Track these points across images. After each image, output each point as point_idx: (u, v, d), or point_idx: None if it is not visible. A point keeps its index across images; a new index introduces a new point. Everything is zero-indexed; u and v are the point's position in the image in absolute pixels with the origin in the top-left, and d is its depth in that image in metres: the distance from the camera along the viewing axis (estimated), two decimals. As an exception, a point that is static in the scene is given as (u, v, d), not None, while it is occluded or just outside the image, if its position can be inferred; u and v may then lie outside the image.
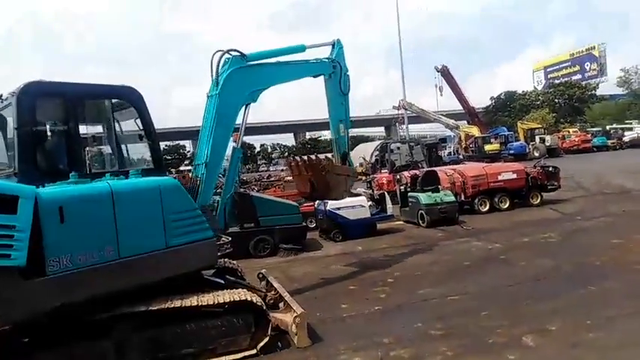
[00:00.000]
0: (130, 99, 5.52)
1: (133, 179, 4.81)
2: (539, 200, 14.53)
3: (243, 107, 6.89)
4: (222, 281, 5.77)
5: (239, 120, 7.02)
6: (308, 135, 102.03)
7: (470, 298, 6.45)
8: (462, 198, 14.05)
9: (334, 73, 8.04)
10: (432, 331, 5.32)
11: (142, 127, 5.52)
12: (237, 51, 6.72)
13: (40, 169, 4.96)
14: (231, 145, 7.05)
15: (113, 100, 5.67)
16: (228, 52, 6.67)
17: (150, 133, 5.51)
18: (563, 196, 15.29)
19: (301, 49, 7.72)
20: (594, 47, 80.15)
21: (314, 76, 8.08)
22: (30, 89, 4.97)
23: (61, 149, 5.28)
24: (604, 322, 5.10)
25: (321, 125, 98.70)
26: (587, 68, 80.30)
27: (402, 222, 13.57)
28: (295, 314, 5.16)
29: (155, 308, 4.54)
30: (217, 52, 6.61)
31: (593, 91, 74.00)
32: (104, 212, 4.37)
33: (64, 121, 5.23)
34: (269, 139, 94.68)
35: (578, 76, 79.34)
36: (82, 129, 5.49)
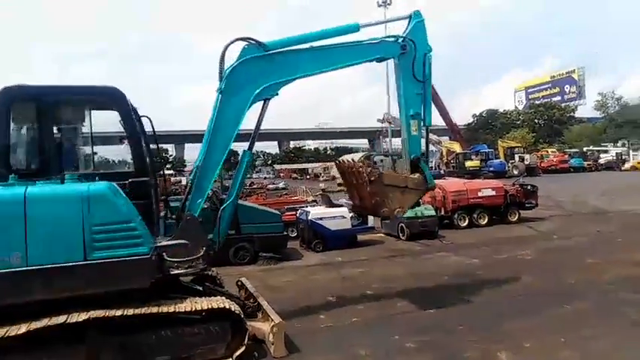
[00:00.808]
0: (111, 100, 5.32)
1: (54, 185, 4.49)
2: (516, 218, 14.79)
3: (262, 102, 5.84)
4: (201, 288, 5.70)
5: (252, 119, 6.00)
6: (292, 144, 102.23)
7: (447, 312, 6.50)
8: (442, 212, 14.21)
9: (405, 54, 6.29)
10: (409, 344, 5.34)
11: (123, 129, 5.37)
12: (252, 39, 5.68)
13: (13, 171, 4.84)
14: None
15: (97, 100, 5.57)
16: (237, 40, 5.64)
17: (131, 135, 5.30)
18: (540, 214, 15.59)
19: (354, 28, 6.17)
20: (574, 71, 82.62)
21: (377, 61, 6.42)
22: (9, 93, 4.91)
23: (34, 151, 5.19)
24: (578, 342, 5.19)
25: (306, 134, 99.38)
26: (567, 91, 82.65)
27: (382, 234, 13.64)
28: (273, 324, 5.12)
29: (130, 313, 4.45)
30: (231, 42, 5.60)
31: (572, 113, 76.18)
32: (14, 217, 4.16)
33: (41, 124, 5.12)
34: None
35: (558, 98, 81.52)
36: (62, 130, 5.39)
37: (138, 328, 4.56)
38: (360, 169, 6.53)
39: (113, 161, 6.60)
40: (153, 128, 6.18)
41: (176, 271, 4.98)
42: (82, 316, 4.25)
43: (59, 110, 5.39)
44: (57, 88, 5.43)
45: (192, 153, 67.62)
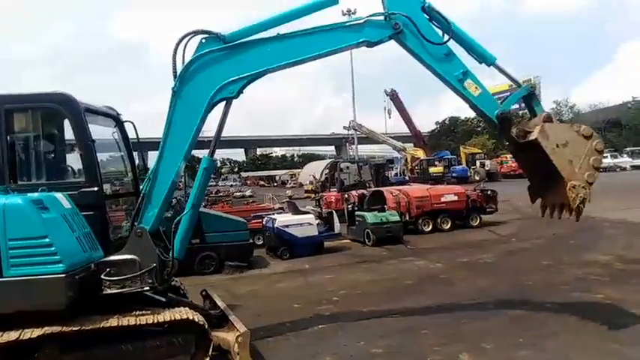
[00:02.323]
0: (62, 106, 5.07)
1: None
2: (478, 222, 15.21)
3: (224, 104, 5.11)
4: (164, 299, 5.57)
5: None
6: (259, 151, 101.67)
7: (411, 316, 6.61)
8: (407, 218, 14.45)
9: (400, 32, 5.13)
10: (374, 350, 5.40)
11: (74, 136, 5.06)
12: (208, 31, 5.01)
13: None
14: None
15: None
16: (194, 33, 4.97)
17: (81, 143, 5.03)
18: (500, 218, 16.11)
19: (331, 1, 5.15)
20: (530, 79, 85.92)
21: (366, 46, 5.30)
22: None
23: None
24: (535, 341, 5.38)
25: (273, 142, 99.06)
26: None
27: (349, 240, 13.74)
28: (238, 333, 5.05)
29: (88, 328, 4.30)
30: (184, 36, 4.95)
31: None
32: None
33: None
34: (218, 154, 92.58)
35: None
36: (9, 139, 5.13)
37: (96, 343, 4.41)
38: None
39: (73, 170, 6.40)
40: (137, 134, 5.97)
41: (110, 291, 4.63)
42: (36, 332, 4.08)
43: (5, 119, 5.13)
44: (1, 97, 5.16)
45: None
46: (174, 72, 4.96)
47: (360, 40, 5.21)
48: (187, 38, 4.96)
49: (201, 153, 6.13)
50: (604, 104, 70.72)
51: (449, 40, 5.24)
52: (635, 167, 49.15)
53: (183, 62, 4.96)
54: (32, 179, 5.18)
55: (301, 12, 5.19)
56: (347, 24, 5.27)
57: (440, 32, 5.26)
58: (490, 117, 5.25)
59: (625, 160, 53.29)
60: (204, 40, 5.02)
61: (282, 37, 5.10)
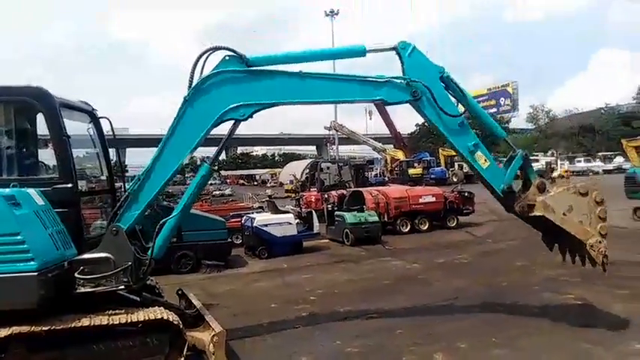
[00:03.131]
0: (37, 100, 4.90)
1: None
2: (455, 223, 15.43)
3: (232, 122, 5.11)
4: (138, 298, 5.48)
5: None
6: (240, 150, 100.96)
7: (387, 316, 6.66)
8: (385, 218, 14.57)
9: (421, 98, 5.20)
10: (350, 349, 5.43)
11: (49, 131, 4.90)
12: (234, 50, 4.99)
13: None
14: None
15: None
16: (218, 49, 4.96)
17: (56, 138, 4.88)
18: (477, 220, 16.38)
19: (360, 51, 5.26)
20: (508, 84, 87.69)
21: (383, 104, 5.59)
22: None
23: None
24: (508, 341, 5.49)
25: (254, 141, 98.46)
26: (502, 103, 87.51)
27: (327, 240, 13.77)
28: (213, 333, 5.01)
29: (59, 327, 4.21)
30: (208, 49, 4.95)
31: (507, 124, 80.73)
32: None
33: None
34: (198, 152, 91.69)
35: (494, 110, 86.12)
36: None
37: (67, 343, 4.31)
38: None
39: (46, 166, 6.23)
40: (112, 130, 5.85)
41: (84, 289, 4.53)
42: (4, 332, 3.97)
43: None
44: None
45: (135, 158, 64.89)
46: (191, 81, 4.94)
47: (377, 98, 5.37)
48: (211, 52, 4.97)
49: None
50: (578, 110, 72.66)
51: (464, 112, 5.42)
52: (606, 171, 50.59)
53: (201, 74, 4.95)
54: (4, 174, 5.02)
55: (328, 55, 5.40)
56: (368, 79, 5.27)
57: (454, 101, 5.39)
58: (496, 190, 5.43)
59: (598, 165, 54.85)
60: (227, 58, 5.02)
61: (305, 76, 5.12)
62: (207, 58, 4.95)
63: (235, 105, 4.97)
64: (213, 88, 4.97)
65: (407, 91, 5.20)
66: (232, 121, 5.11)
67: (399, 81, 5.22)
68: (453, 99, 5.44)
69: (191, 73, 4.92)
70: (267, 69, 5.13)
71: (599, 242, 5.12)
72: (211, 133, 5.10)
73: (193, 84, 4.93)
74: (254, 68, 5.07)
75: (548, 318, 6.18)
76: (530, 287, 7.79)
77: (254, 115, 5.11)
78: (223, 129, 5.30)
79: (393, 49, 5.31)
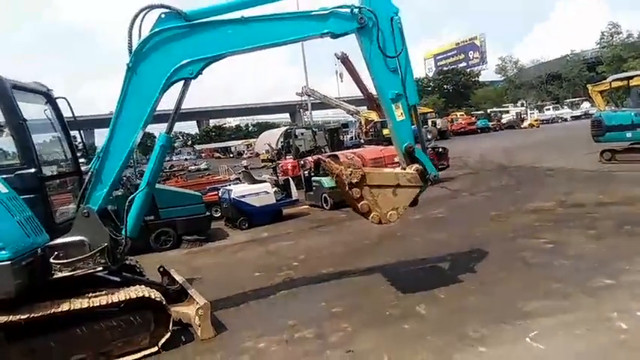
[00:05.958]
0: None
1: None
2: (431, 179, 15.62)
3: (182, 82, 4.94)
4: (118, 279, 5.45)
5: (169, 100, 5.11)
6: (212, 122, 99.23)
7: (369, 275, 6.81)
8: (363, 180, 14.62)
9: (364, 29, 5.08)
10: (334, 309, 5.55)
11: (3, 116, 4.69)
12: (168, 6, 4.73)
13: None
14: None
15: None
16: (153, 7, 4.69)
17: (11, 123, 4.68)
18: (452, 174, 16.66)
19: None
20: (476, 37, 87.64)
21: (330, 37, 5.16)
22: None
23: None
24: (483, 288, 5.70)
25: (226, 112, 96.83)
26: (471, 57, 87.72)
27: (307, 206, 13.85)
28: (198, 306, 5.06)
29: (38, 315, 4.16)
30: (141, 9, 4.67)
31: (477, 78, 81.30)
32: None
33: None
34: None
35: (464, 64, 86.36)
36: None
37: (49, 329, 4.28)
38: (337, 170, 5.50)
39: (4, 152, 5.99)
40: (72, 111, 5.63)
41: (61, 274, 4.51)
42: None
43: None
44: None
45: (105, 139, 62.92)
46: (130, 47, 4.69)
47: (325, 32, 5.11)
48: (145, 12, 4.68)
49: (154, 128, 5.87)
50: (545, 59, 73.40)
51: (400, 54, 5.18)
52: (575, 117, 51.83)
53: (139, 37, 4.71)
54: None
55: None
56: (312, 13, 5.08)
57: (393, 47, 5.19)
58: (400, 146, 5.47)
59: (566, 112, 56.07)
60: (163, 16, 4.77)
61: (247, 21, 4.92)
62: (143, 18, 4.68)
63: (182, 63, 4.79)
64: (154, 50, 4.76)
65: (353, 19, 5.07)
66: (182, 82, 4.94)
67: (343, 10, 5.07)
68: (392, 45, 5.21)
69: (129, 38, 4.68)
70: (207, 20, 4.92)
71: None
72: (163, 108, 4.92)
73: (133, 49, 4.71)
74: (195, 22, 4.86)
75: (522, 263, 6.42)
76: (504, 235, 8.04)
77: (203, 72, 4.93)
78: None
79: None
